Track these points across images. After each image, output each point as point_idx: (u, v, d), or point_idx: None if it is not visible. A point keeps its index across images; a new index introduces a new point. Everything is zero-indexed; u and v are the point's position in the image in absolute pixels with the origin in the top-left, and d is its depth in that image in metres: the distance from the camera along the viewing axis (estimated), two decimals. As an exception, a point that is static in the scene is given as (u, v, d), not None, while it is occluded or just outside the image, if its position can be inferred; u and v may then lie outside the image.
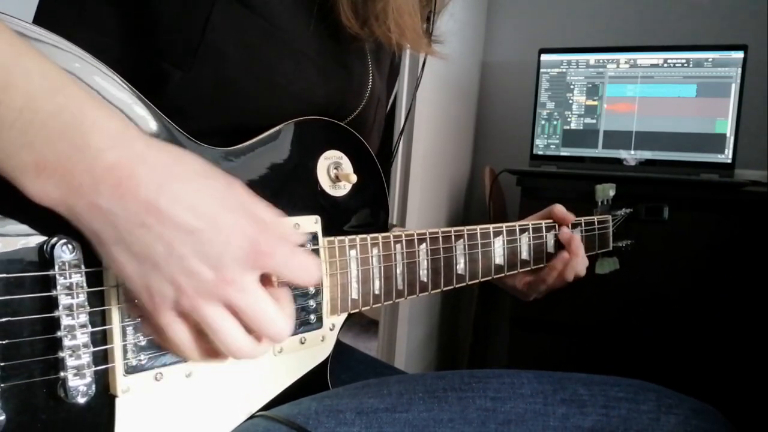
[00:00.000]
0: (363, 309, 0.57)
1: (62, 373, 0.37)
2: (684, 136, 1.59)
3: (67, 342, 0.37)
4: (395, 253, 0.59)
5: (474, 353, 1.90)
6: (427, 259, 0.62)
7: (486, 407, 0.51)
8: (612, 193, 0.90)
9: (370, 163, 0.59)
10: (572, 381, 0.55)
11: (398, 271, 0.59)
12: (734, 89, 1.54)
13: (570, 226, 0.79)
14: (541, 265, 0.76)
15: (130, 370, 0.40)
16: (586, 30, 1.92)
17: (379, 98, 0.65)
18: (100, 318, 0.39)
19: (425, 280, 0.62)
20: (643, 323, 1.46)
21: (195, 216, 0.35)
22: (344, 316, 0.56)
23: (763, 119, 1.67)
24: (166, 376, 0.42)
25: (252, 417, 0.49)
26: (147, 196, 0.34)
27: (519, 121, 1.95)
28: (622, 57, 1.65)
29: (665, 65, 1.61)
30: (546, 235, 0.76)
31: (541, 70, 1.73)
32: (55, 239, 0.37)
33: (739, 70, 1.53)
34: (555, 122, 1.72)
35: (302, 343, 0.52)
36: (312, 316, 0.53)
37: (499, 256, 0.71)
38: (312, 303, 0.52)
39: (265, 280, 0.39)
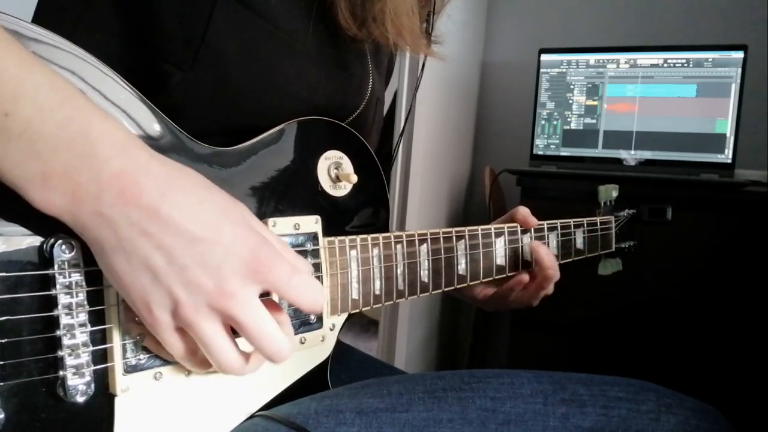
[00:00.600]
0: (363, 309, 0.57)
1: (61, 372, 0.37)
2: (684, 136, 1.59)
3: (66, 341, 0.37)
4: (396, 254, 0.59)
5: (474, 353, 1.90)
6: (428, 260, 0.62)
7: (486, 407, 0.51)
8: (615, 194, 0.90)
9: (371, 163, 0.59)
10: (572, 381, 0.55)
11: (399, 272, 0.59)
12: (734, 89, 1.54)
13: (534, 231, 0.74)
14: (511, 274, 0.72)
15: (130, 369, 0.40)
16: (586, 30, 1.93)
17: (378, 98, 0.65)
18: (99, 317, 0.39)
19: (426, 280, 0.62)
20: (642, 323, 1.46)
21: (196, 225, 0.35)
22: (344, 316, 0.56)
23: (763, 119, 1.67)
24: (166, 376, 0.42)
25: (251, 417, 0.49)
26: (149, 203, 0.34)
27: (519, 121, 1.95)
28: (622, 57, 1.65)
29: (665, 65, 1.61)
30: (548, 235, 0.76)
31: (541, 70, 1.73)
32: (54, 238, 0.37)
33: (739, 70, 1.53)
34: (555, 122, 1.72)
35: (302, 343, 0.52)
36: (312, 316, 0.53)
37: (500, 257, 0.70)
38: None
39: (270, 303, 0.39)
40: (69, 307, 0.37)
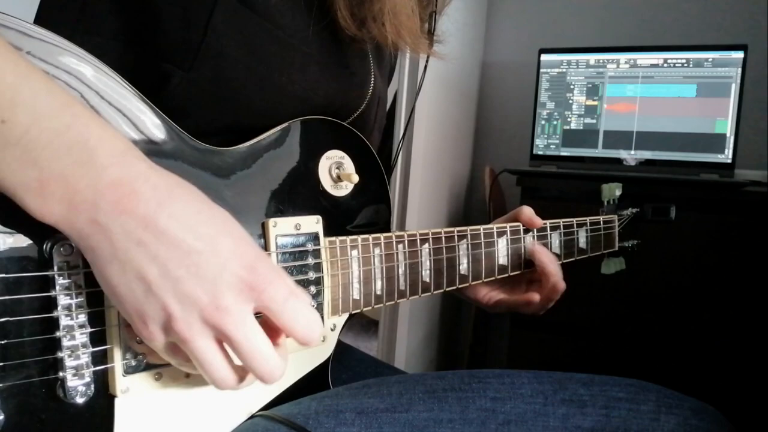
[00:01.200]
0: (364, 309, 0.57)
1: (61, 373, 0.37)
2: (684, 136, 1.59)
3: (66, 342, 0.37)
4: (397, 253, 0.59)
5: (474, 353, 1.90)
6: (430, 259, 0.62)
7: (486, 407, 0.51)
8: (618, 192, 0.90)
9: (372, 163, 0.59)
10: (572, 381, 0.55)
11: (400, 272, 0.59)
12: (734, 89, 1.54)
13: (536, 230, 0.73)
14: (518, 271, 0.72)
15: (130, 370, 0.40)
16: (586, 30, 1.92)
17: (380, 97, 0.65)
18: (99, 318, 0.39)
19: (428, 280, 0.62)
20: (642, 323, 1.46)
21: (193, 237, 0.35)
22: (345, 316, 0.56)
23: (763, 119, 1.67)
24: (166, 376, 0.42)
25: (252, 417, 0.49)
26: (146, 212, 0.34)
27: (519, 121, 1.95)
28: (622, 57, 1.65)
29: (665, 65, 1.61)
30: (551, 235, 0.76)
31: (541, 70, 1.73)
32: (54, 240, 0.37)
33: (739, 70, 1.53)
34: (555, 122, 1.72)
35: (302, 343, 0.52)
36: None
37: (502, 256, 0.70)
38: (313, 303, 0.52)
39: (269, 324, 0.38)
40: (69, 308, 0.37)
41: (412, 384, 0.53)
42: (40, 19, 0.50)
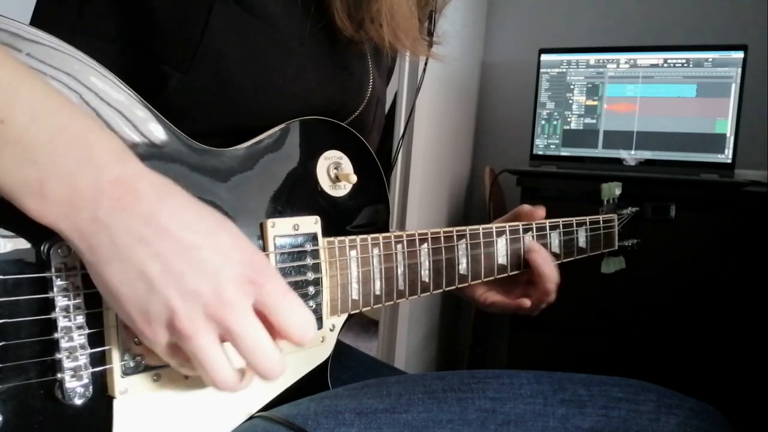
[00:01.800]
0: (363, 309, 0.57)
1: (59, 375, 0.37)
2: (684, 136, 1.59)
3: (63, 344, 0.37)
4: (396, 254, 0.59)
5: (474, 353, 1.90)
6: (429, 259, 0.62)
7: (485, 408, 0.51)
8: (618, 191, 0.90)
9: (371, 163, 0.59)
10: (572, 381, 0.55)
11: (399, 272, 0.59)
12: (734, 89, 1.54)
13: (536, 230, 0.73)
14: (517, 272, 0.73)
15: (128, 371, 0.40)
16: (586, 30, 1.92)
17: (379, 98, 0.65)
18: (97, 319, 0.39)
19: (427, 280, 0.62)
20: (641, 323, 1.46)
21: (194, 232, 0.35)
22: (344, 316, 0.56)
23: (763, 119, 1.67)
24: (165, 377, 0.42)
25: (251, 417, 0.49)
26: (147, 209, 0.34)
27: (519, 121, 1.95)
28: (622, 57, 1.65)
29: (665, 65, 1.61)
30: (550, 234, 0.76)
31: (541, 70, 1.73)
32: (51, 241, 0.37)
33: (739, 70, 1.53)
34: (555, 122, 1.72)
35: (300, 343, 0.52)
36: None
37: (502, 256, 0.70)
38: (312, 304, 0.52)
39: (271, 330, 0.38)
40: (66, 309, 0.37)
41: (412, 384, 0.53)
42: (37, 21, 0.50)
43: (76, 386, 0.38)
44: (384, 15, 0.53)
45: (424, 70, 0.75)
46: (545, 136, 1.74)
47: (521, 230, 0.72)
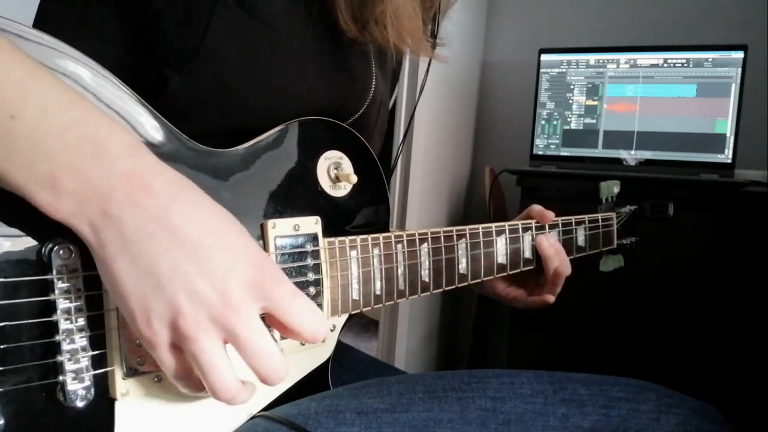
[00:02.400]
0: (364, 309, 0.57)
1: (61, 377, 0.37)
2: (684, 136, 1.59)
3: (65, 346, 0.37)
4: (396, 254, 0.59)
5: (474, 353, 1.90)
6: (429, 259, 0.62)
7: (486, 407, 0.51)
8: (617, 190, 0.90)
9: (371, 163, 0.59)
10: (572, 381, 0.55)
11: (399, 272, 0.59)
12: (734, 89, 1.54)
13: (535, 229, 0.75)
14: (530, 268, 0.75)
15: (129, 373, 0.40)
16: (586, 30, 1.92)
17: (381, 100, 0.65)
18: (98, 322, 0.39)
19: (427, 280, 0.62)
20: (642, 323, 1.46)
21: (204, 232, 0.35)
22: (345, 316, 0.56)
23: (763, 119, 1.67)
24: (166, 379, 0.42)
25: (252, 417, 0.49)
26: (159, 205, 0.34)
27: (519, 121, 1.95)
28: (622, 57, 1.65)
29: (665, 65, 1.61)
30: (549, 233, 0.76)
31: (541, 70, 1.73)
32: (52, 243, 0.37)
33: (739, 70, 1.53)
34: (555, 122, 1.72)
35: (302, 344, 0.52)
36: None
37: (501, 255, 0.70)
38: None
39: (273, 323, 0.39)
40: (68, 311, 0.37)
41: (412, 384, 0.53)
42: (39, 23, 0.50)
43: (77, 388, 0.38)
44: (389, 16, 0.53)
45: (426, 73, 0.75)
46: (545, 136, 1.74)
47: (521, 229, 0.72)
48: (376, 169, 0.60)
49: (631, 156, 1.64)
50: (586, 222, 0.82)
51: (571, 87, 1.70)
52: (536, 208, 0.76)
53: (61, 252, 0.37)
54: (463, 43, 1.83)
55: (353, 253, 0.55)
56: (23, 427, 0.36)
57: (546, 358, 1.56)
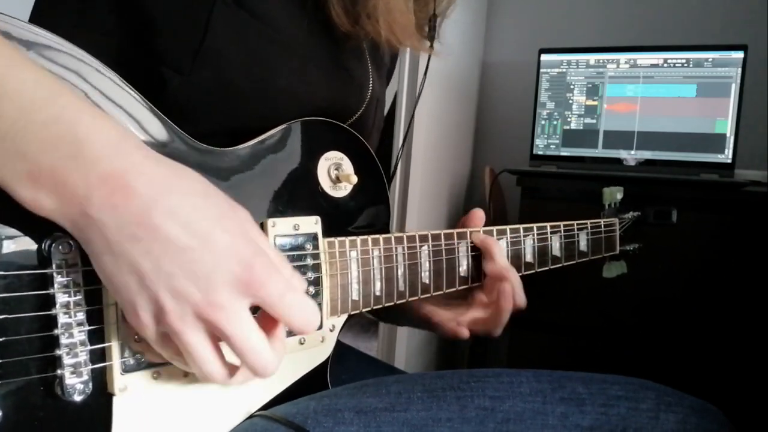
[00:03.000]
0: (364, 310, 0.57)
1: (59, 371, 0.37)
2: (684, 136, 1.59)
3: (64, 340, 0.37)
4: (396, 254, 0.59)
5: (473, 353, 1.90)
6: (429, 261, 0.62)
7: (485, 406, 0.51)
8: (620, 196, 0.90)
9: (371, 164, 0.59)
10: (571, 380, 0.55)
11: (399, 273, 0.59)
12: (734, 89, 1.54)
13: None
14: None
15: (128, 368, 0.40)
16: (586, 30, 1.92)
17: (378, 99, 0.65)
18: (97, 316, 0.39)
19: (427, 281, 0.62)
20: (642, 323, 1.46)
21: (187, 233, 0.34)
22: (344, 317, 0.56)
23: (763, 119, 1.67)
24: (164, 375, 0.42)
25: (251, 417, 0.49)
26: (139, 207, 0.33)
27: (519, 121, 1.95)
28: (622, 57, 1.65)
29: (665, 65, 1.61)
30: (551, 237, 0.76)
31: (541, 70, 1.73)
32: (52, 238, 0.37)
33: (739, 70, 1.53)
34: (555, 122, 1.72)
35: (301, 344, 0.52)
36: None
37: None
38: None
39: (266, 317, 0.38)
40: (67, 306, 0.37)
41: (411, 383, 0.53)
42: (37, 19, 0.50)
43: (75, 383, 0.38)
44: (380, 10, 0.53)
45: (425, 74, 0.75)
46: (545, 136, 1.74)
47: (522, 232, 0.72)
48: (376, 170, 0.60)
49: (631, 156, 1.64)
50: (589, 227, 0.82)
51: (571, 87, 1.70)
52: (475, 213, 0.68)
53: (60, 247, 0.37)
54: (463, 43, 1.83)
55: (353, 253, 0.55)
56: (21, 420, 0.36)
57: (546, 358, 1.56)
